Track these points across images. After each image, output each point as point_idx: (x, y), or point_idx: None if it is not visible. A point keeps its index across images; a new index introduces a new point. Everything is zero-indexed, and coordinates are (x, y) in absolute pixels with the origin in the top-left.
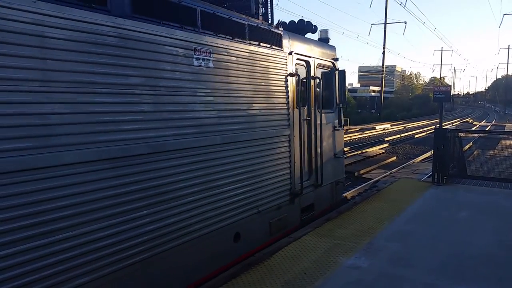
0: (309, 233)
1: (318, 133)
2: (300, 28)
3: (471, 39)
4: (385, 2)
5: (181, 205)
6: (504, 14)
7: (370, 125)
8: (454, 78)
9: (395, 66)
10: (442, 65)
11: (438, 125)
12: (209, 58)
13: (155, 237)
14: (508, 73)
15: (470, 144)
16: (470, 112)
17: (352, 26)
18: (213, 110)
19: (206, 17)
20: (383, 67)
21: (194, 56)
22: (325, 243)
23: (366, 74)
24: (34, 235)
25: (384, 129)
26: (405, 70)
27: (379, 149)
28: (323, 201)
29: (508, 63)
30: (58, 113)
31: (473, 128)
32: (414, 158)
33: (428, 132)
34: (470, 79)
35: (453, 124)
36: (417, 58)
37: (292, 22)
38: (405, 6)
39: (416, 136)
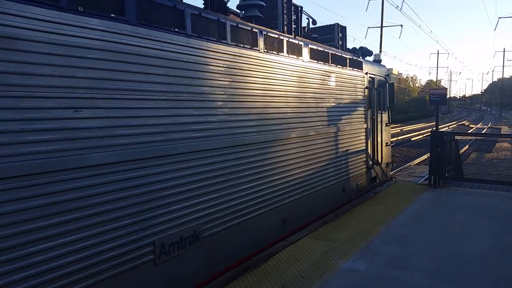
0: (306, 237)
1: (379, 127)
2: (361, 53)
3: (467, 42)
4: (381, 6)
5: (322, 166)
6: (499, 18)
7: None
8: (450, 81)
9: (391, 69)
10: (438, 68)
11: (435, 128)
12: (333, 79)
13: (306, 184)
14: (504, 76)
15: (467, 146)
16: (467, 115)
17: (349, 29)
18: (333, 111)
19: (333, 56)
20: None
21: (329, 79)
22: (322, 246)
23: None
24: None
25: None
26: (401, 73)
27: None
28: (381, 176)
29: (503, 66)
30: (289, 113)
31: (469, 131)
32: (410, 161)
33: (424, 135)
34: (466, 82)
35: (450, 127)
36: (413, 61)
37: (354, 48)
38: (401, 9)
39: (412, 139)
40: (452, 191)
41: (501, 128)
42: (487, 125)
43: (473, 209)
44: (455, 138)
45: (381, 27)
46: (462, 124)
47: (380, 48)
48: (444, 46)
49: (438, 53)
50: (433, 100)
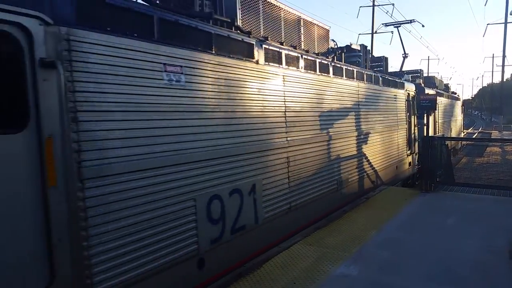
0: (298, 242)
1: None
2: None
3: (457, 48)
4: (372, 13)
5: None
6: (487, 24)
7: None
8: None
9: None
10: (429, 73)
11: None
12: (452, 105)
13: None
14: (493, 81)
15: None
16: None
17: (339, 36)
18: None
19: (452, 96)
20: None
21: (450, 104)
22: (315, 252)
23: None
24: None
25: None
26: None
27: None
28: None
29: (493, 71)
30: None
31: (460, 135)
32: None
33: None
34: (457, 87)
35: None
36: (404, 67)
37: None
38: (391, 15)
39: None
40: (444, 195)
41: (491, 133)
42: (478, 129)
43: (464, 213)
44: (446, 143)
45: (372, 33)
46: None
47: (372, 54)
48: (435, 52)
49: (428, 59)
50: (423, 106)
